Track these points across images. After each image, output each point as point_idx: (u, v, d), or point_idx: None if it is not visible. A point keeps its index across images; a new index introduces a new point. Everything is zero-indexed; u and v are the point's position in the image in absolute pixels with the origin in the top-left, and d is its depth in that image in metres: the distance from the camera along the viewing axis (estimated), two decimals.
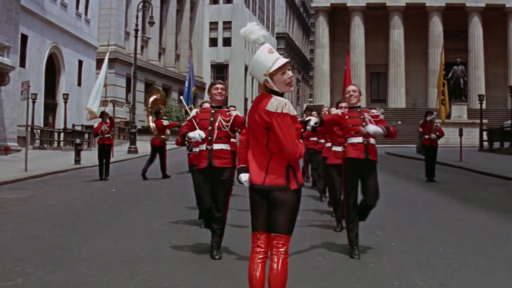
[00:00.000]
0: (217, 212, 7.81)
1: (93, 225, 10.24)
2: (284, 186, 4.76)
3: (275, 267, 4.69)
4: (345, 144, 8.37)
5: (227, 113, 7.93)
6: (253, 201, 4.91)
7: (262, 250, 4.83)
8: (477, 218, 11.38)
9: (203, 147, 7.79)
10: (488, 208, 12.80)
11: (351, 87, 8.53)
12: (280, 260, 4.70)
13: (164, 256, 7.65)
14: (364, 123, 8.09)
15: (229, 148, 7.88)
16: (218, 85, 7.95)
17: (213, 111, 7.90)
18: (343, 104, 9.59)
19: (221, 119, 7.81)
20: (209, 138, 7.72)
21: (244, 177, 5.02)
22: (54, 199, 14.06)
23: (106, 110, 21.88)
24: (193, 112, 8.15)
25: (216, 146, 7.74)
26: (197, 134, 7.63)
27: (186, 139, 7.89)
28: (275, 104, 4.70)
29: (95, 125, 20.34)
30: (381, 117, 8.54)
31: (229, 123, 7.81)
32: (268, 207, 4.82)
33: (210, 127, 7.75)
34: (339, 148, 9.94)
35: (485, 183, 19.00)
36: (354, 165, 8.14)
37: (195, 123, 7.84)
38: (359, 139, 8.12)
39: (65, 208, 12.41)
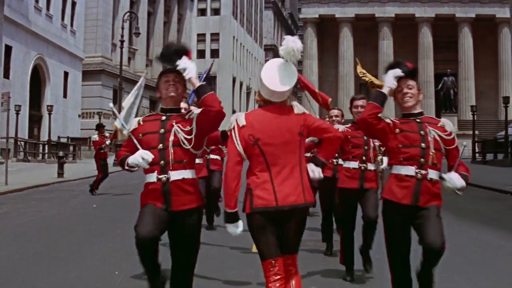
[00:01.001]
0: (177, 277, 4.93)
1: (67, 246, 9.51)
2: (314, 202, 4.75)
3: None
4: (390, 170, 5.39)
5: (186, 117, 4.83)
6: (266, 226, 4.50)
7: (279, 276, 4.45)
8: (480, 236, 10.79)
9: (153, 177, 4.75)
10: (489, 224, 12.25)
11: (407, 82, 5.16)
12: (294, 280, 4.56)
13: (140, 283, 6.91)
14: (424, 145, 5.00)
15: (193, 175, 4.85)
16: (170, 75, 4.86)
17: (163, 118, 4.85)
18: (360, 103, 7.47)
19: (177, 129, 4.75)
20: (161, 162, 4.71)
21: (238, 228, 4.58)
22: (30, 215, 13.32)
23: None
24: (132, 123, 5.03)
25: (175, 175, 4.73)
26: (139, 157, 4.66)
27: (126, 168, 4.88)
28: (300, 107, 4.66)
29: (95, 138, 19.48)
30: (457, 143, 5.21)
31: (192, 135, 4.76)
32: (278, 228, 4.55)
33: (160, 145, 4.74)
34: (354, 164, 7.23)
35: (482, 196, 18.47)
36: (397, 212, 5.17)
37: (135, 141, 4.83)
38: (410, 170, 5.09)
39: (40, 226, 11.66)
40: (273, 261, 4.43)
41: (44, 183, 22.78)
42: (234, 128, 4.57)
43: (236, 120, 4.59)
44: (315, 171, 4.73)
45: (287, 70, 4.60)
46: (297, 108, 4.61)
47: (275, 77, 4.56)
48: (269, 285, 4.39)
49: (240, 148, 4.53)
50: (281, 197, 4.43)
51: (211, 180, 11.18)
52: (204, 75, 16.01)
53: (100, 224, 11.85)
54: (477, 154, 39.55)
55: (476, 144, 40.65)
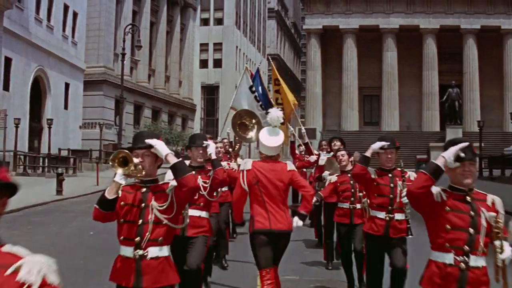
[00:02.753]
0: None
1: None
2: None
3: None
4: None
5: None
6: (265, 244, 6.58)
7: (271, 281, 6.50)
8: None
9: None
10: None
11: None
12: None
13: None
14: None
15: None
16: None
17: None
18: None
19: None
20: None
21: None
22: (22, 245, 12.72)
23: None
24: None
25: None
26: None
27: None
28: (291, 166, 6.94)
29: None
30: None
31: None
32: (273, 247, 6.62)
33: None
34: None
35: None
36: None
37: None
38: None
39: None
40: (268, 270, 6.57)
41: (42, 202, 22.24)
42: (243, 170, 6.80)
43: (247, 163, 6.93)
44: (298, 222, 6.84)
45: (275, 132, 6.96)
46: (290, 166, 6.87)
47: (269, 137, 6.89)
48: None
49: (245, 186, 6.72)
50: (273, 223, 6.56)
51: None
52: (257, 85, 15.06)
53: (95, 258, 11.23)
54: (483, 171, 38.34)
55: (483, 160, 39.37)
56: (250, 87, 14.34)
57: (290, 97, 15.55)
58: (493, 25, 63.14)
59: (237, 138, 12.13)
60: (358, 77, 64.72)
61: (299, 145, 14.91)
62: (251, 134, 10.65)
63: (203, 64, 79.23)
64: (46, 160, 38.04)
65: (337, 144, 11.44)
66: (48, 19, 43.59)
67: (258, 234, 6.55)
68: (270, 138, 6.83)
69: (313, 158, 12.89)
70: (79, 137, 50.32)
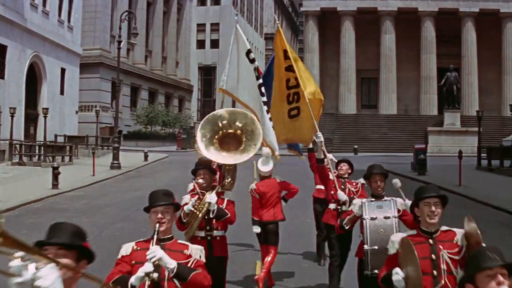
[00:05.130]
0: None
1: None
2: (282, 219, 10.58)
3: (269, 259, 10.04)
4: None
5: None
6: (263, 229, 10.21)
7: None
8: None
9: None
10: None
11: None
12: (270, 256, 10.08)
13: None
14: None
15: None
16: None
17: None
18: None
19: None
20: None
21: (258, 229, 10.31)
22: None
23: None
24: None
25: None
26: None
27: None
28: (279, 178, 10.54)
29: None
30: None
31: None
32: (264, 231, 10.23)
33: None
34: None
35: (495, 221, 17.25)
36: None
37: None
38: None
39: None
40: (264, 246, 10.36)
41: (38, 198, 21.93)
42: (252, 189, 10.33)
43: (253, 186, 10.46)
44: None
45: (266, 162, 10.29)
46: (278, 179, 10.45)
47: (262, 166, 10.30)
48: (263, 255, 10.32)
49: (258, 197, 10.25)
50: (264, 217, 10.22)
51: None
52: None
53: (91, 267, 10.99)
54: (482, 160, 37.37)
55: (481, 150, 38.26)
56: (248, 53, 9.75)
57: (312, 86, 10.63)
58: (491, 8, 62.52)
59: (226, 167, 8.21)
60: (356, 59, 64.21)
61: (325, 164, 9.83)
62: (248, 151, 7.63)
63: (200, 44, 79.09)
64: (42, 149, 37.46)
65: (343, 168, 9.85)
66: (44, 5, 43.06)
67: (256, 223, 10.29)
68: (264, 167, 10.33)
69: (342, 197, 9.32)
70: (76, 122, 50.10)
